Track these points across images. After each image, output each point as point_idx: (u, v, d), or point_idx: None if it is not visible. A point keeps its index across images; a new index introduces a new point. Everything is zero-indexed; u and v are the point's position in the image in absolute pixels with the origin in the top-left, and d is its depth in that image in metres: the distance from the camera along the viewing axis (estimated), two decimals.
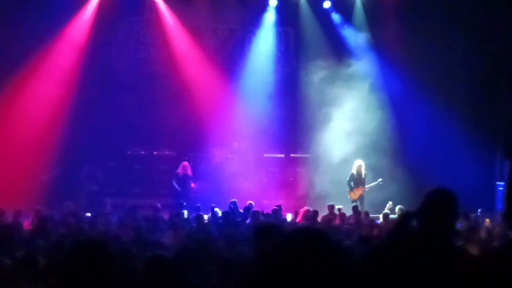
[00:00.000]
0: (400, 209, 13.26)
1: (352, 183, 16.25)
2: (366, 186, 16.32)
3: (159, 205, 13.17)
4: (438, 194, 3.90)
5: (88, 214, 12.71)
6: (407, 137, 17.46)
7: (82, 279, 3.29)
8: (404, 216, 4.04)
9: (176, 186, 16.00)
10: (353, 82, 17.49)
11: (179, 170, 16.22)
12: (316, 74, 17.64)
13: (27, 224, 11.29)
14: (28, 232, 9.68)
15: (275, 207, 13.52)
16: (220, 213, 12.73)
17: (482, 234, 10.18)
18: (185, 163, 16.43)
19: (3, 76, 15.91)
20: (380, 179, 16.38)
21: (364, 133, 17.26)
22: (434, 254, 3.63)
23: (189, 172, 16.26)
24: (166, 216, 12.64)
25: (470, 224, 10.90)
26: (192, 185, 16.39)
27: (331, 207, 13.91)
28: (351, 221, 12.85)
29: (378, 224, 12.39)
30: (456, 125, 17.23)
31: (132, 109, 17.79)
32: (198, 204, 13.85)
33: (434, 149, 17.27)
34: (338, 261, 2.23)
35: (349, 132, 17.21)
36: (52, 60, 16.95)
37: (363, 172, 16.30)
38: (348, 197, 16.28)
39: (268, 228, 4.54)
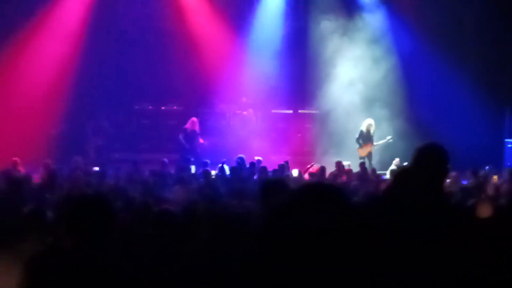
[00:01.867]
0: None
1: (360, 140, 16.24)
2: (375, 143, 16.30)
3: (166, 160, 13.18)
4: (427, 150, 3.87)
5: (96, 168, 12.76)
6: (417, 94, 17.32)
7: (87, 232, 3.37)
8: (396, 175, 4.02)
9: (183, 141, 15.95)
10: (362, 37, 17.31)
11: (187, 126, 16.17)
12: (326, 29, 17.43)
13: (36, 177, 11.35)
14: (37, 186, 9.72)
15: (282, 163, 13.54)
16: (227, 169, 12.75)
17: (489, 191, 10.15)
18: (194, 118, 16.36)
19: (9, 32, 15.78)
20: (389, 137, 16.35)
21: (372, 87, 17.16)
22: (426, 211, 3.60)
23: (197, 128, 16.21)
24: (173, 171, 12.68)
25: (479, 181, 10.86)
26: (201, 140, 16.34)
27: (339, 164, 13.88)
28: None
29: (385, 179, 12.40)
30: (466, 82, 17.03)
31: (139, 64, 17.69)
32: (207, 160, 13.85)
33: (443, 106, 17.13)
34: (347, 217, 2.20)
35: (357, 86, 17.12)
36: (58, 15, 16.79)
37: (372, 130, 16.26)
38: (357, 153, 16.28)
39: (274, 184, 4.53)
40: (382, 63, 17.28)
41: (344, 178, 12.55)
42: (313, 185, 2.29)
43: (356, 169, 13.83)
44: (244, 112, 17.97)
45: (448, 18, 17.09)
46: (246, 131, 17.41)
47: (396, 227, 3.52)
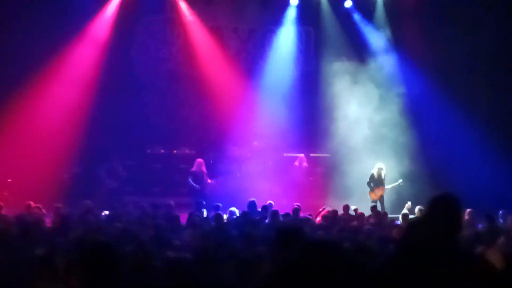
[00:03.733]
0: (419, 209, 13.14)
1: (372, 184, 16.21)
2: (386, 187, 16.25)
3: (173, 203, 13.16)
4: (441, 200, 3.81)
5: (106, 212, 12.75)
6: (428, 137, 17.31)
7: (97, 280, 3.40)
8: (410, 225, 3.98)
9: (193, 183, 15.93)
10: (372, 79, 17.40)
11: (194, 168, 16.16)
12: (336, 73, 17.55)
13: (47, 221, 11.34)
14: (48, 230, 9.71)
15: (295, 206, 13.48)
16: (237, 213, 12.68)
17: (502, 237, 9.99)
18: (199, 159, 16.35)
19: (24, 77, 15.99)
20: (400, 180, 16.35)
21: (385, 135, 17.12)
22: (440, 262, 3.54)
23: (204, 169, 16.20)
24: (185, 215, 12.63)
25: (492, 226, 10.71)
26: (209, 180, 16.30)
27: (346, 208, 13.78)
28: (371, 221, 12.73)
29: (398, 224, 12.27)
30: (478, 125, 17.04)
31: (152, 108, 17.86)
32: (218, 204, 13.80)
33: (455, 149, 17.09)
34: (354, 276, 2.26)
35: (369, 132, 17.10)
36: (72, 60, 17.01)
37: (383, 174, 16.25)
38: (368, 197, 16.22)
39: (289, 232, 4.44)
40: (391, 103, 17.30)
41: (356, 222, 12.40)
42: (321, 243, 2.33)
43: (366, 213, 13.69)
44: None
45: (458, 58, 17.18)
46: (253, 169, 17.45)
47: (410, 275, 3.48)
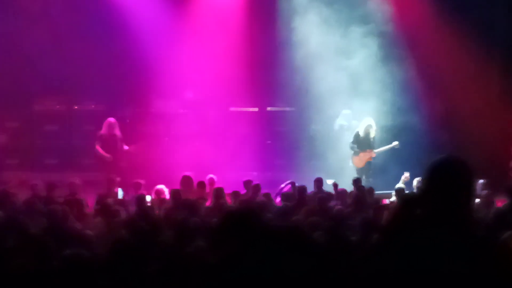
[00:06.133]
0: (418, 182, 13.35)
1: (356, 146, 16.36)
2: (375, 150, 16.41)
3: (77, 180, 13.09)
4: (445, 166, 3.81)
5: None
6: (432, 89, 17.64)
7: None
8: (404, 203, 3.98)
9: (102, 152, 15.70)
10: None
11: (103, 131, 15.91)
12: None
13: None
14: None
15: (247, 180, 13.56)
16: (167, 193, 12.68)
17: None
18: (110, 119, 16.06)
19: None
20: (396, 142, 16.47)
21: (369, 79, 17.23)
22: (447, 254, 3.59)
23: (117, 131, 15.95)
24: (93, 196, 12.59)
25: None
26: (125, 147, 16.05)
27: (319, 182, 13.83)
28: (351, 200, 12.88)
29: (386, 205, 12.40)
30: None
31: (41, 46, 17.48)
32: (139, 181, 13.76)
33: (464, 104, 17.36)
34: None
35: (348, 77, 17.18)
36: None
37: (372, 133, 16.41)
38: (351, 163, 16.45)
39: (237, 219, 4.42)
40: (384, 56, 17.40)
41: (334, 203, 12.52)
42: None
43: (348, 187, 13.82)
44: None
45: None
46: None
47: (401, 275, 3.53)
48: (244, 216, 3.82)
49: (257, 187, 13.27)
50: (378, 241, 4.08)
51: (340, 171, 16.18)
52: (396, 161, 16.34)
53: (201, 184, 13.39)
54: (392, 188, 14.09)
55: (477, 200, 10.65)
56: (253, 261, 2.34)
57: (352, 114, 17.04)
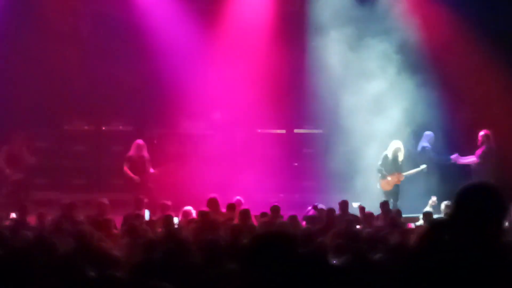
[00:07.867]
0: (446, 206, 13.27)
1: (384, 170, 16.31)
2: (404, 173, 16.35)
3: (106, 200, 13.13)
4: (475, 192, 3.79)
5: (13, 215, 12.70)
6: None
7: None
8: (432, 228, 3.95)
9: (130, 173, 15.76)
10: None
11: (131, 152, 15.99)
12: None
13: None
14: None
15: (274, 204, 13.52)
16: (194, 214, 12.69)
17: None
18: (139, 140, 16.16)
19: None
20: (424, 166, 16.44)
21: (399, 106, 17.17)
22: (478, 275, 3.55)
23: (145, 153, 16.03)
24: (120, 217, 12.62)
25: None
26: (152, 170, 16.11)
27: (344, 204, 13.77)
28: (379, 223, 12.83)
29: (412, 229, 12.34)
30: None
31: (70, 68, 17.63)
32: (166, 202, 13.76)
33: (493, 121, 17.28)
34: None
35: (378, 101, 17.15)
36: None
37: (400, 156, 16.37)
38: (378, 187, 16.36)
39: (266, 242, 4.38)
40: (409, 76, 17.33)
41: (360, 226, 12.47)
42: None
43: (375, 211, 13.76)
44: None
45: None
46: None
47: None
48: (276, 239, 3.81)
49: (276, 209, 13.21)
50: (406, 265, 4.05)
51: (365, 193, 16.12)
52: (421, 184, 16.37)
53: (231, 206, 13.39)
54: (415, 212, 14.03)
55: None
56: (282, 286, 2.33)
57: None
